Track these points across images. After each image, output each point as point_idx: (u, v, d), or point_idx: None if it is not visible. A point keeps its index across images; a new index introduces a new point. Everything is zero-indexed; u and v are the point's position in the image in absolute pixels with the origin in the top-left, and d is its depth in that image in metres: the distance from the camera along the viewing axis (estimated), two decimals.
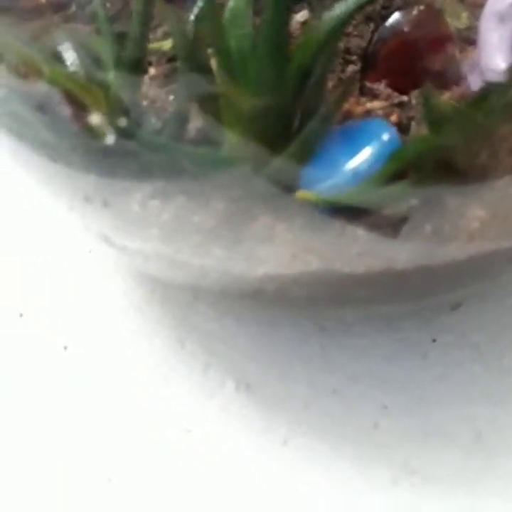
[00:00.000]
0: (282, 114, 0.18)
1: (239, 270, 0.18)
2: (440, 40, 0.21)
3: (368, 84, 0.22)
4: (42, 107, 0.20)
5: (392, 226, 0.17)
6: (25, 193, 0.28)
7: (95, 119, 0.18)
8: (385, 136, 0.17)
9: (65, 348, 0.26)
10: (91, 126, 0.19)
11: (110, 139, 0.18)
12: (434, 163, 0.16)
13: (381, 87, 0.21)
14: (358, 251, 0.17)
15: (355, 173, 0.17)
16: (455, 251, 0.17)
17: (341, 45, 0.23)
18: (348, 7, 0.17)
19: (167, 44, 0.22)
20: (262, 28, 0.18)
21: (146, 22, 0.19)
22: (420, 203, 0.17)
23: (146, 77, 0.22)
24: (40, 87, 0.20)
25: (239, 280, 0.19)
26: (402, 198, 0.17)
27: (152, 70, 0.22)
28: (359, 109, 0.20)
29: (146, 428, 0.24)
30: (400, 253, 0.17)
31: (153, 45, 0.22)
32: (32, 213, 0.29)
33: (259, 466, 0.23)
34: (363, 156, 0.17)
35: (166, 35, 0.23)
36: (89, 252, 0.30)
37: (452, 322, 0.27)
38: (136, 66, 0.20)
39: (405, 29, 0.22)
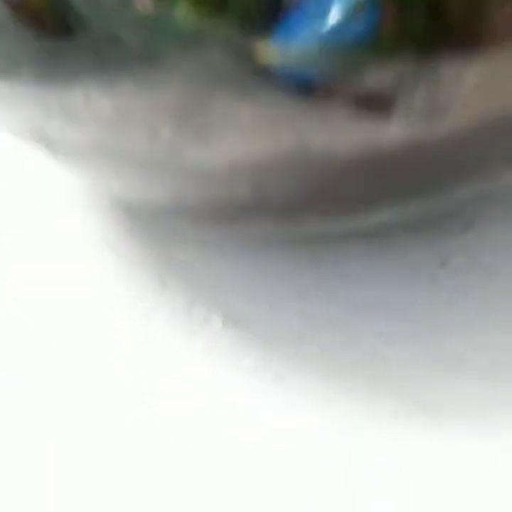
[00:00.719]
0: None
1: (200, 159, 0.15)
2: None
3: None
4: None
5: (382, 101, 0.14)
6: None
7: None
8: None
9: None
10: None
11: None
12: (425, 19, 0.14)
13: None
14: (336, 127, 0.14)
15: (337, 28, 0.14)
16: (449, 123, 0.14)
17: None
18: None
19: None
20: None
21: None
22: (410, 71, 0.14)
23: None
24: None
25: (204, 177, 0.16)
26: (393, 60, 0.14)
27: None
28: None
29: (128, 374, 0.22)
30: (388, 129, 0.14)
31: None
32: None
33: (250, 406, 0.21)
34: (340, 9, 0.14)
35: None
36: (64, 193, 0.27)
37: (463, 243, 0.24)
38: None
39: None
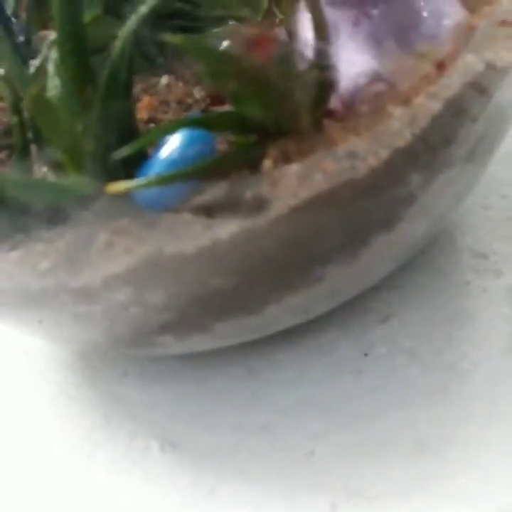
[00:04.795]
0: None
1: (82, 283, 0.17)
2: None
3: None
4: None
5: (218, 206, 0.17)
6: None
7: None
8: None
9: None
10: None
11: None
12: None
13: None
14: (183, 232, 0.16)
15: (168, 161, 0.17)
16: (274, 212, 0.16)
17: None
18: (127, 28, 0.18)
19: None
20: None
21: None
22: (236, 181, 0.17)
23: None
24: None
25: (88, 297, 0.18)
26: (216, 172, 0.17)
27: None
28: None
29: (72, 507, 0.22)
30: (225, 227, 0.16)
31: None
32: None
33: None
34: (171, 144, 0.17)
35: None
36: (24, 352, 0.29)
37: (383, 333, 0.25)
38: None
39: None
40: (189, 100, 0.26)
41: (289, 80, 0.18)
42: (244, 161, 0.17)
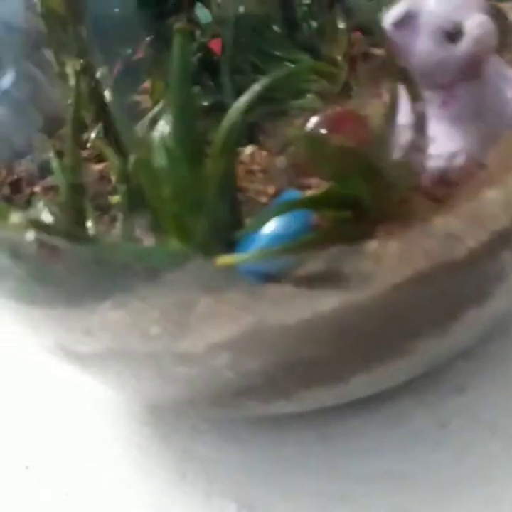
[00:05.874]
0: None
1: (185, 348, 0.18)
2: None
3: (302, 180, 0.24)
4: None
5: (319, 278, 0.18)
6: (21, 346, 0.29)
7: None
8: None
9: (67, 494, 0.26)
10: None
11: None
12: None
13: (312, 180, 0.23)
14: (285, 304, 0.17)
15: (271, 236, 0.18)
16: (375, 288, 0.17)
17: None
18: (238, 108, 0.20)
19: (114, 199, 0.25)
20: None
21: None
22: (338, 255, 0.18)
23: None
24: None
25: (191, 363, 0.19)
26: (319, 247, 0.17)
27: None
28: None
29: None
30: (326, 299, 0.17)
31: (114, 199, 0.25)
32: (34, 366, 0.31)
33: None
34: (277, 221, 0.18)
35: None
36: (97, 402, 0.30)
37: (460, 404, 0.25)
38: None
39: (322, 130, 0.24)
40: (273, 171, 0.27)
41: (385, 162, 0.19)
42: (342, 237, 0.18)
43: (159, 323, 0.19)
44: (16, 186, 0.31)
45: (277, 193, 0.25)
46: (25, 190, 0.31)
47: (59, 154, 0.24)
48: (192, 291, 0.19)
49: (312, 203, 0.18)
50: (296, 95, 0.31)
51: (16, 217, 0.18)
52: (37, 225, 0.18)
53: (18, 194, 0.31)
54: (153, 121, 0.23)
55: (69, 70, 0.25)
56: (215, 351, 0.18)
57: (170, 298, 0.20)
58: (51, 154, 0.24)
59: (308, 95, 0.31)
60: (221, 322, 0.18)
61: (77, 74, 0.23)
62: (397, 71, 0.19)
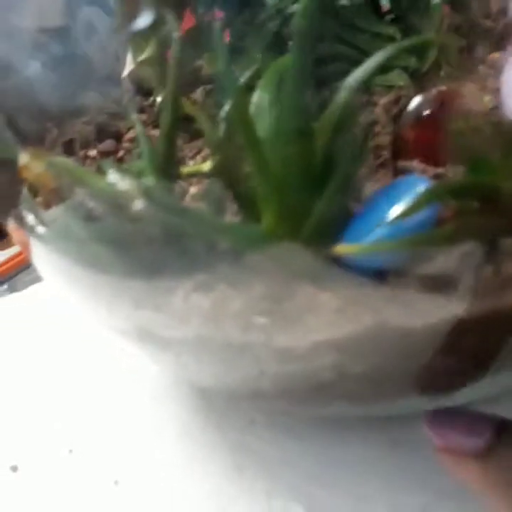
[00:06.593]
0: (310, 189, 0.18)
1: (287, 342, 0.16)
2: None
3: (401, 163, 0.22)
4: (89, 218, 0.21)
5: (448, 280, 0.16)
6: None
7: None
8: (421, 188, 0.16)
9: (116, 482, 0.24)
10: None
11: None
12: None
13: (414, 164, 0.21)
14: (408, 305, 0.15)
15: (394, 227, 0.16)
16: None
17: (372, 142, 0.24)
18: (356, 79, 0.18)
19: (205, 166, 0.23)
20: (283, 116, 0.18)
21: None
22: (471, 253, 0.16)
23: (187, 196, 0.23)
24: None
25: (289, 359, 0.17)
26: (450, 244, 0.15)
27: (192, 189, 0.23)
28: None
29: None
30: (457, 304, 0.15)
31: (190, 169, 0.23)
32: (85, 346, 0.29)
33: None
34: (401, 209, 0.16)
35: (204, 160, 0.24)
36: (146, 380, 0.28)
37: None
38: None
39: (427, 111, 0.22)
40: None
41: None
42: (476, 233, 0.16)
43: (261, 313, 0.17)
44: (68, 147, 0.29)
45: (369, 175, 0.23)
46: (79, 153, 0.29)
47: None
48: (284, 279, 0.17)
49: (456, 192, 0.16)
50: (382, 70, 0.29)
51: (123, 184, 0.16)
52: (148, 193, 0.16)
53: (71, 156, 0.29)
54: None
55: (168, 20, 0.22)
56: (320, 350, 0.16)
57: (261, 286, 0.18)
58: (134, 117, 0.22)
59: (395, 70, 0.29)
60: (332, 319, 0.16)
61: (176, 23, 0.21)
62: None
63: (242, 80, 0.22)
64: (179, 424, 0.26)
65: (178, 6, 0.21)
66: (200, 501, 0.23)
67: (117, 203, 0.17)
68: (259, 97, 0.20)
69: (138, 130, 0.21)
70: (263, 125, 0.19)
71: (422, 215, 0.16)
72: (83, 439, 0.26)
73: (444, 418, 0.18)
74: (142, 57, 0.25)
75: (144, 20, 0.22)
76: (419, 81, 0.27)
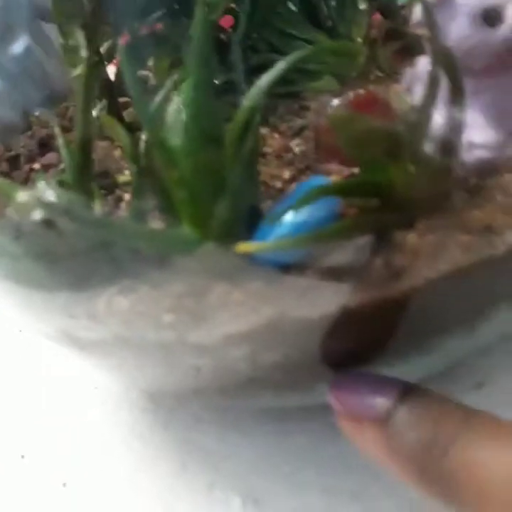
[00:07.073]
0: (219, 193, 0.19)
1: (198, 337, 0.17)
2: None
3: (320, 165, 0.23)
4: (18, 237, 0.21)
5: (347, 271, 0.17)
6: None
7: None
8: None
9: (64, 484, 0.25)
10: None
11: None
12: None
13: (333, 165, 0.22)
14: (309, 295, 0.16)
15: (294, 224, 0.17)
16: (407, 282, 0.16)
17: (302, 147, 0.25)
18: (261, 87, 0.19)
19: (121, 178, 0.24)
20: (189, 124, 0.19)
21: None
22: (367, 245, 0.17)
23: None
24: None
25: (203, 353, 0.18)
26: (345, 239, 0.17)
27: (127, 196, 0.24)
28: None
29: None
30: (354, 293, 0.16)
31: (125, 178, 0.24)
32: (32, 351, 0.30)
33: None
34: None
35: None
36: (95, 388, 0.29)
37: (479, 401, 0.24)
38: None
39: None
40: (288, 155, 0.26)
41: (418, 147, 0.18)
42: (371, 227, 0.17)
43: (172, 311, 0.17)
44: (14, 163, 0.30)
45: (293, 178, 0.24)
46: (24, 167, 0.29)
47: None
48: (205, 278, 0.18)
49: (344, 190, 0.17)
50: (312, 77, 0.30)
51: (22, 195, 0.16)
52: (45, 204, 0.16)
53: (16, 171, 0.29)
54: (165, 100, 0.22)
55: (79, 39, 0.24)
56: (231, 342, 0.17)
57: (181, 285, 0.19)
58: (56, 130, 0.23)
59: (325, 77, 0.30)
60: (239, 312, 0.17)
61: (90, 43, 0.22)
62: (438, 53, 0.18)
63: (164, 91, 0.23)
64: (128, 427, 0.27)
65: (95, 20, 0.22)
66: (148, 501, 0.24)
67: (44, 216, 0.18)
68: (176, 104, 0.21)
69: (59, 142, 0.21)
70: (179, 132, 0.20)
71: (321, 212, 0.17)
72: (34, 443, 0.27)
73: (347, 383, 0.17)
74: (75, 72, 0.26)
75: (17, 46, 0.23)
76: (350, 86, 0.28)
